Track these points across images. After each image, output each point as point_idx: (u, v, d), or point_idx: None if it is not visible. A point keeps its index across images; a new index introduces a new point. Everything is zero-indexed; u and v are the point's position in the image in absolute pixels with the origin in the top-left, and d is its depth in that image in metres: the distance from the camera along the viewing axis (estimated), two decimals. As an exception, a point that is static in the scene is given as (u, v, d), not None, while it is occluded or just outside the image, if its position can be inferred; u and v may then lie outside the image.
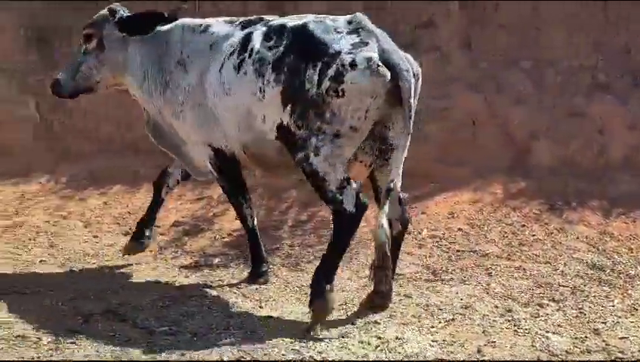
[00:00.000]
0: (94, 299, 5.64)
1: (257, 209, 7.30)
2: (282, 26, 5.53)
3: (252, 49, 5.54)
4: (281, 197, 7.58)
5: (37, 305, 5.45)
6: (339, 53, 5.15)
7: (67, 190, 7.90)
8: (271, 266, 6.40)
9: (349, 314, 5.45)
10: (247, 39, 5.65)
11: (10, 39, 8.86)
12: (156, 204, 6.56)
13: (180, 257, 6.77)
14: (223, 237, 7.07)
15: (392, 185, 5.27)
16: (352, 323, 5.24)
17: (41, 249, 6.86)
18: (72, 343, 4.78)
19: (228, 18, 6.11)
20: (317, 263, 6.32)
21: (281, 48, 5.39)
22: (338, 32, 5.28)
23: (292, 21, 5.58)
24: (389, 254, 5.22)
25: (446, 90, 8.07)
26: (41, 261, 6.62)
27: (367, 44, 5.19)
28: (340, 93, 5.11)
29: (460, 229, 7.06)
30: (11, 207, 7.65)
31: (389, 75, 5.11)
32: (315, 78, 5.16)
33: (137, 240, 6.53)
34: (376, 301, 5.39)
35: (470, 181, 7.62)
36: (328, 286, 5.21)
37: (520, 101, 7.98)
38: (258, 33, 5.63)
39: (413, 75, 5.29)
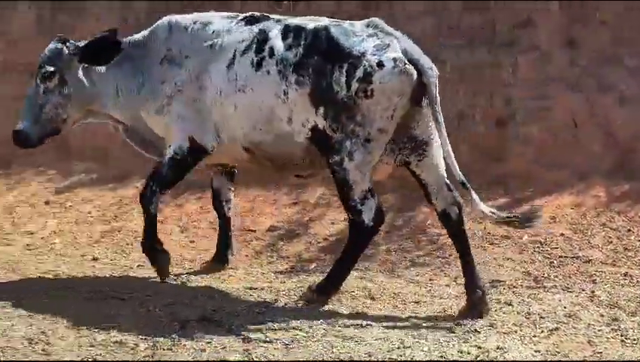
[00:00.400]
0: (190, 305, 5.64)
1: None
2: (301, 27, 5.59)
3: (272, 48, 5.58)
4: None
5: (134, 310, 5.47)
6: (364, 54, 5.31)
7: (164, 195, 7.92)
8: (367, 271, 6.33)
9: (447, 322, 5.31)
10: (263, 37, 5.66)
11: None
12: (224, 226, 6.46)
13: (276, 262, 6.74)
14: (319, 242, 7.01)
15: (458, 177, 5.41)
16: (452, 332, 5.10)
17: (138, 254, 6.90)
18: (168, 349, 4.77)
19: (225, 14, 6.06)
20: (414, 269, 6.29)
21: (301, 50, 5.48)
22: (357, 35, 5.43)
23: (311, 22, 5.63)
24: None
25: (545, 90, 7.84)
26: (138, 266, 6.66)
27: (388, 45, 5.35)
28: (369, 94, 5.27)
29: (562, 234, 6.86)
30: (110, 212, 7.73)
31: (415, 73, 5.28)
32: (343, 80, 5.31)
33: (219, 263, 6.47)
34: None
35: (571, 184, 7.37)
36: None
37: (623, 100, 7.69)
38: (275, 32, 5.64)
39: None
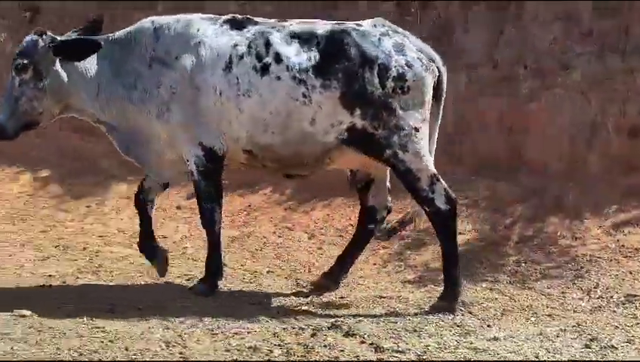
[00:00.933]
0: (320, 313, 5.68)
1: (481, 224, 7.19)
2: (310, 33, 5.77)
3: (279, 54, 5.71)
4: (506, 211, 7.35)
5: (267, 315, 5.54)
6: (389, 54, 5.66)
7: (291, 202, 8.02)
8: (497, 283, 6.26)
9: (582, 337, 5.19)
10: (263, 42, 5.76)
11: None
12: (145, 222, 6.30)
13: (404, 272, 6.71)
14: (446, 252, 6.92)
15: None
16: (588, 347, 4.99)
17: (268, 260, 7.00)
18: (302, 356, 4.80)
19: (205, 15, 6.05)
20: (545, 282, 6.18)
21: (317, 54, 5.69)
22: (374, 36, 5.75)
23: (316, 27, 5.83)
24: None
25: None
26: (268, 271, 6.74)
27: (403, 44, 5.76)
28: (406, 90, 5.66)
29: None
30: (239, 218, 7.85)
31: (437, 70, 5.78)
32: (376, 80, 5.65)
33: (151, 259, 6.32)
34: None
35: None
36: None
37: None
38: (278, 38, 5.76)
39: None
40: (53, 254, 7.19)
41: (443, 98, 5.92)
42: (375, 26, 5.85)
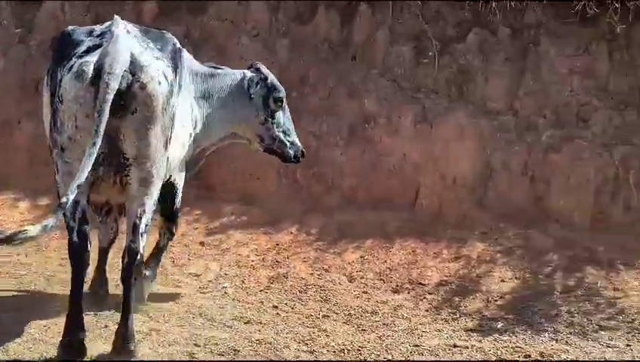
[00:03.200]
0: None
1: (521, 272, 7.28)
2: None
3: None
4: (541, 260, 7.48)
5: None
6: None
7: (320, 242, 7.91)
8: (558, 333, 6.34)
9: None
10: None
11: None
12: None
13: (460, 319, 6.70)
14: (496, 300, 6.98)
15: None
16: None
17: (318, 304, 6.87)
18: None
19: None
20: (604, 333, 6.30)
21: None
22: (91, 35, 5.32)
23: None
24: None
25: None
26: (324, 316, 6.62)
27: (99, 46, 5.14)
28: (60, 99, 5.09)
29: None
30: (269, 257, 7.67)
31: (90, 76, 4.99)
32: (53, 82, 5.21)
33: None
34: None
35: None
36: None
37: None
38: None
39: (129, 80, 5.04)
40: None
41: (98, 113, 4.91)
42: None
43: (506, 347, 6.10)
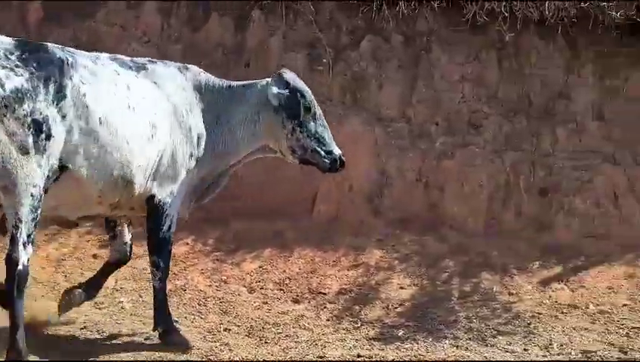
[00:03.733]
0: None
1: (418, 279, 7.36)
2: None
3: None
4: (438, 267, 7.59)
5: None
6: None
7: (218, 252, 7.81)
8: (458, 339, 6.43)
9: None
10: None
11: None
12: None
13: (362, 328, 6.72)
14: (395, 308, 7.03)
15: None
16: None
17: (215, 315, 6.78)
18: None
19: None
20: (502, 338, 6.43)
21: None
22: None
23: None
24: None
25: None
26: (225, 329, 6.54)
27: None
28: None
29: (624, 305, 7.13)
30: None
31: None
32: None
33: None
34: None
35: (620, 256, 7.71)
36: None
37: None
38: None
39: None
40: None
41: None
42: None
43: (408, 355, 6.14)
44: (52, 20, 9.10)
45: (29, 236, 5.28)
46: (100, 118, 5.47)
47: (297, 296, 7.22)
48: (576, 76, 8.53)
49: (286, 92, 6.04)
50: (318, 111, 6.17)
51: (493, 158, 8.23)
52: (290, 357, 6.00)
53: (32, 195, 5.24)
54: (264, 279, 7.45)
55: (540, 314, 6.95)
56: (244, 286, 7.37)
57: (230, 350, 6.12)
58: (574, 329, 6.74)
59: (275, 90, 6.04)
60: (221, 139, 6.11)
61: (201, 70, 6.28)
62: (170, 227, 5.99)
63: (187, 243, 7.86)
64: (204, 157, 6.03)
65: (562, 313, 7.01)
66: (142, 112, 5.70)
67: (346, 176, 8.14)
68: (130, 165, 5.64)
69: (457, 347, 6.39)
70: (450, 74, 8.58)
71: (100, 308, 6.80)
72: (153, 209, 5.92)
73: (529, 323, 6.78)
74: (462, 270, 7.53)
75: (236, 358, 5.97)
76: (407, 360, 6.07)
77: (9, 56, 5.24)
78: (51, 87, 5.29)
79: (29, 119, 5.17)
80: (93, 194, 5.64)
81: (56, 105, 5.31)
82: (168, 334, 6.07)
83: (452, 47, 8.65)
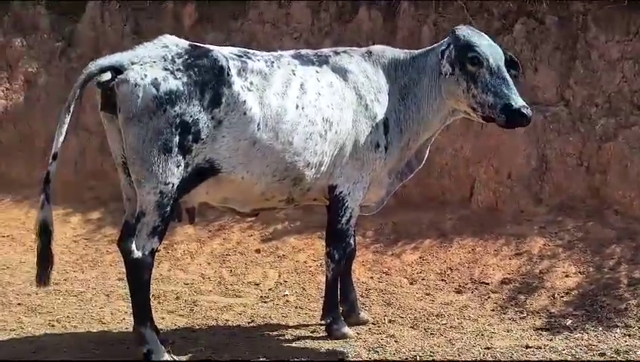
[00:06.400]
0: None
1: (584, 266, 7.15)
2: None
3: None
4: (604, 253, 7.36)
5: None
6: None
7: (377, 244, 7.83)
8: (629, 328, 6.22)
9: None
10: None
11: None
12: None
13: (527, 318, 6.60)
14: (562, 296, 6.87)
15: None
16: None
17: (379, 307, 6.80)
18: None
19: None
20: None
21: None
22: None
23: None
24: None
25: None
26: (390, 321, 6.55)
27: None
28: None
29: None
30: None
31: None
32: None
33: None
34: None
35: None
36: None
37: None
38: None
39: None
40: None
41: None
42: None
43: (579, 345, 5.99)
44: (206, 21, 9.34)
45: (154, 228, 5.41)
46: (259, 125, 5.54)
47: (460, 286, 7.17)
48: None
49: (454, 48, 5.84)
50: (496, 63, 5.80)
51: (658, 138, 7.88)
52: (457, 350, 5.93)
53: (161, 192, 5.38)
54: (425, 270, 7.41)
55: None
56: (406, 277, 7.35)
57: (396, 341, 6.12)
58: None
59: (445, 48, 5.89)
60: (409, 117, 6.00)
61: (385, 48, 6.22)
62: (349, 220, 5.97)
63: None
64: (391, 145, 5.96)
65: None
66: (313, 110, 5.72)
67: (503, 162, 8.03)
68: (297, 165, 5.68)
69: (630, 336, 6.19)
70: (608, 53, 8.27)
71: (265, 302, 6.94)
72: (333, 200, 5.93)
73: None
74: (630, 256, 7.26)
75: (403, 349, 5.96)
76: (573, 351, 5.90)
77: (176, 59, 5.44)
78: (207, 94, 5.43)
79: (177, 120, 5.33)
80: (255, 193, 5.73)
81: (210, 111, 5.43)
82: (335, 325, 6.11)
83: (609, 25, 8.33)
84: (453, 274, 7.32)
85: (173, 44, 5.54)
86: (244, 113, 5.50)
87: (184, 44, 5.59)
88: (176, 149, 5.33)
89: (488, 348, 5.98)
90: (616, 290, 6.89)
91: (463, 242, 7.66)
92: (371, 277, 7.37)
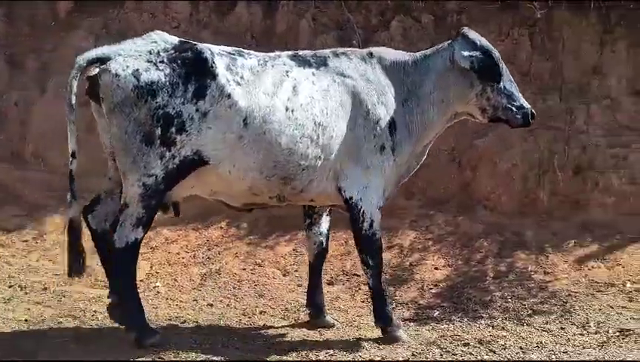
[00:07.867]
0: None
1: (453, 259, 7.34)
2: None
3: None
4: (472, 247, 7.55)
5: None
6: None
7: (252, 236, 7.84)
8: (493, 319, 6.40)
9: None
10: None
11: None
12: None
13: (396, 309, 6.71)
14: (430, 288, 7.01)
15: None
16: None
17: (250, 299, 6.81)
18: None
19: None
20: (537, 317, 6.37)
21: None
22: None
23: None
24: None
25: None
26: (261, 312, 6.56)
27: None
28: None
29: (658, 281, 7.06)
30: (200, 254, 7.56)
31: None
32: None
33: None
34: None
35: (655, 232, 7.62)
36: None
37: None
38: None
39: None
40: (14, 296, 6.63)
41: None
42: None
43: (444, 335, 6.11)
44: (83, 11, 9.16)
45: (139, 219, 5.44)
46: (245, 120, 5.50)
47: (332, 277, 7.28)
48: (609, 52, 8.39)
49: (477, 53, 5.86)
50: (504, 66, 5.94)
51: (527, 137, 8.14)
52: (326, 339, 5.98)
53: (144, 184, 5.39)
54: (298, 262, 7.49)
55: (576, 293, 6.91)
56: (279, 268, 7.41)
57: (266, 332, 6.11)
58: (611, 307, 6.69)
59: (465, 53, 5.86)
60: (414, 119, 5.95)
61: (387, 50, 6.18)
62: (371, 224, 5.85)
63: (221, 228, 7.88)
64: (399, 146, 5.88)
65: (598, 291, 6.95)
66: (303, 114, 5.64)
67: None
68: (285, 166, 5.62)
69: (493, 327, 6.37)
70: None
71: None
72: (349, 208, 5.85)
73: (565, 302, 6.74)
74: (496, 250, 7.48)
75: (272, 341, 5.96)
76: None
77: (161, 53, 5.48)
78: (191, 86, 5.41)
79: (160, 112, 5.34)
80: (243, 188, 5.69)
81: (195, 103, 5.41)
82: (389, 330, 5.99)
83: (483, 25, 8.54)
84: (325, 266, 7.29)
85: (162, 39, 5.58)
86: (230, 106, 5.48)
87: (174, 40, 5.63)
88: (159, 141, 5.36)
89: (358, 339, 6.03)
90: (482, 283, 7.09)
91: (336, 235, 7.70)
92: (244, 269, 7.36)
